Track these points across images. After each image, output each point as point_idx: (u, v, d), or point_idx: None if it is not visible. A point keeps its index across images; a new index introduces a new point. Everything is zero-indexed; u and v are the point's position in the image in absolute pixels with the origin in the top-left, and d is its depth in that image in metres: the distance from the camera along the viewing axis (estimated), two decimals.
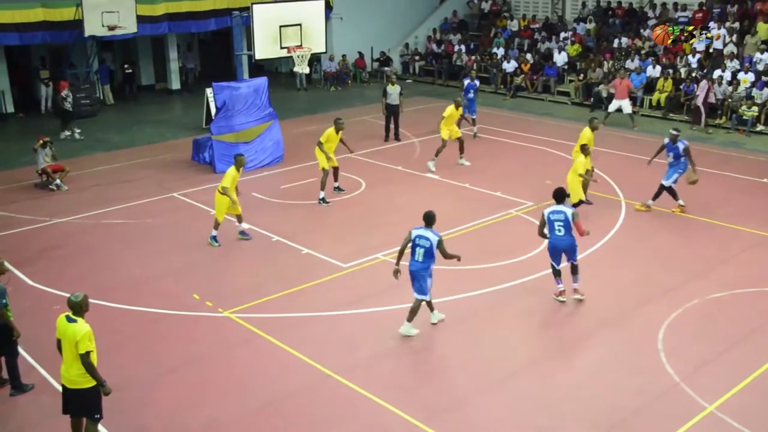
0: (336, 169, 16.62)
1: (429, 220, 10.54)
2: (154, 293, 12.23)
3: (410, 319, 10.66)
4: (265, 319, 11.25)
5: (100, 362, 7.99)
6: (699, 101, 22.51)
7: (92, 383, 7.74)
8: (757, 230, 14.50)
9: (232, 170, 13.78)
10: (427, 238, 10.36)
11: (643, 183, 17.32)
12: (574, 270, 11.62)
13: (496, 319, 11.35)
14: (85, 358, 7.59)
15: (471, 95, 21.36)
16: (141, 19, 24.20)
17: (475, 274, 12.72)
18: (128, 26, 23.59)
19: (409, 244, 10.57)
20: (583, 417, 8.96)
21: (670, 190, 15.38)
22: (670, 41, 20.17)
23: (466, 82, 21.68)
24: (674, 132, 15.46)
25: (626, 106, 23.01)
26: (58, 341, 7.86)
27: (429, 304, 10.87)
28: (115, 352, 10.14)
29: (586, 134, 15.79)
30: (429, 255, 10.38)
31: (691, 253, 13.64)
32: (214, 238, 14.08)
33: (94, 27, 22.92)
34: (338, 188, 16.88)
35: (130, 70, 28.23)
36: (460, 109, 19.03)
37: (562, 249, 11.53)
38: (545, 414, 9.03)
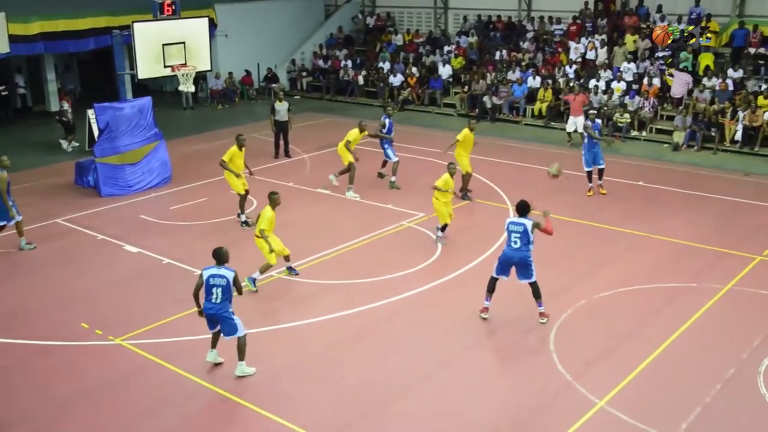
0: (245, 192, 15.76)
1: (220, 257, 9.91)
2: (39, 324, 11.71)
3: (242, 358, 10.13)
4: (158, 345, 10.96)
5: None
6: (677, 91, 23.11)
7: None
8: (636, 231, 15.25)
9: (267, 211, 12.53)
10: (222, 276, 9.77)
11: (528, 190, 17.94)
12: (536, 293, 11.43)
13: (393, 331, 11.46)
14: None
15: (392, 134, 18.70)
16: (14, 39, 23.14)
17: (371, 287, 12.83)
18: None
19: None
20: (483, 420, 9.18)
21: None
22: (670, 41, 20.94)
23: (388, 120, 18.57)
24: (593, 111, 18.37)
25: (580, 123, 20.98)
26: None
27: (215, 339, 10.28)
28: (0, 390, 9.66)
29: (464, 133, 17.14)
30: (227, 292, 9.81)
31: (577, 255, 14.21)
32: (253, 281, 12.71)
33: None
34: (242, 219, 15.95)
35: (6, 93, 26.99)
36: (365, 132, 17.82)
37: (515, 262, 11.30)
38: (446, 420, 9.19)
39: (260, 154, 21.52)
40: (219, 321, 9.94)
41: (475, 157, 17.96)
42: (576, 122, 22.30)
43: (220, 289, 9.79)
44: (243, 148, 15.70)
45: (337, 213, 16.79)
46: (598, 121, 18.09)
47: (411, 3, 33.17)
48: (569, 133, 22.73)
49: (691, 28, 24.70)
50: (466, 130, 17.19)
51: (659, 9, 25.99)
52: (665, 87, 23.98)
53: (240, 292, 10.02)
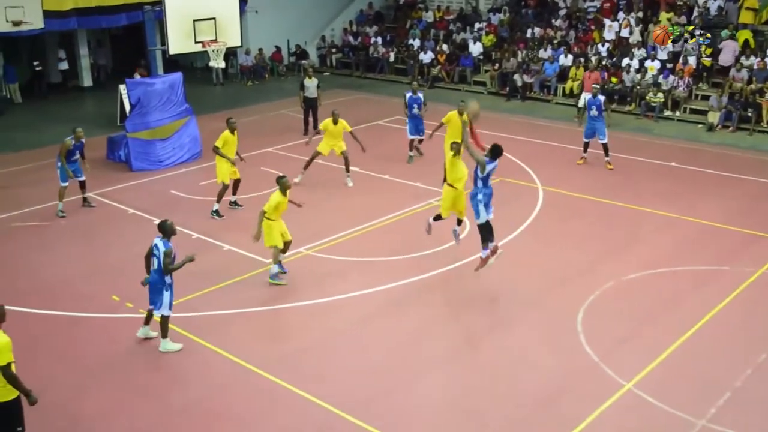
0: (237, 182, 15.44)
1: (163, 230, 9.98)
2: (71, 296, 11.90)
3: (164, 335, 10.26)
4: (187, 318, 11.07)
5: (17, 371, 7.74)
6: (726, 60, 22.95)
7: (13, 395, 7.48)
8: (666, 212, 15.05)
9: (277, 195, 12.01)
10: (158, 248, 9.91)
11: (558, 169, 17.82)
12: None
13: (418, 309, 11.47)
14: (6, 369, 7.33)
15: (415, 110, 18.45)
16: (48, 14, 23.23)
17: (398, 265, 12.83)
18: (34, 22, 22.71)
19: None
20: (508, 399, 9.18)
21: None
22: (670, 41, 20.72)
23: (408, 95, 18.73)
24: (596, 86, 18.40)
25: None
26: None
27: (149, 316, 10.40)
28: (31, 359, 9.83)
29: (449, 115, 16.42)
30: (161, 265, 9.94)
31: (606, 236, 14.07)
32: (276, 275, 12.25)
33: None
34: (235, 203, 15.61)
35: (40, 68, 27.27)
36: (342, 123, 16.79)
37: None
38: (469, 397, 9.22)
39: (289, 130, 21.56)
40: (151, 290, 10.12)
41: (505, 135, 17.83)
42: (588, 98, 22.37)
43: (156, 260, 9.97)
44: (235, 132, 15.10)
45: (365, 190, 16.78)
46: (600, 97, 17.96)
47: None
48: (579, 109, 22.53)
49: (691, 28, 24.25)
50: (452, 113, 16.32)
51: None
52: (700, 66, 23.55)
53: (167, 270, 9.90)
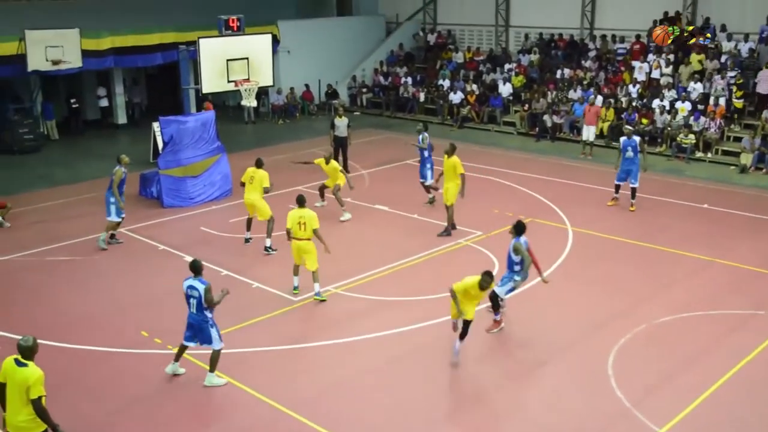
0: (251, 220, 15.76)
1: (195, 269, 10.08)
2: (101, 331, 11.97)
3: (212, 369, 10.31)
4: None
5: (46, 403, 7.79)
6: (764, 88, 22.84)
7: (41, 428, 7.53)
8: (698, 254, 14.85)
9: (311, 212, 12.88)
10: (195, 288, 9.99)
11: (589, 210, 17.70)
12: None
13: (447, 350, 11.35)
14: (37, 403, 7.40)
15: (426, 155, 18.21)
16: (86, 54, 23.98)
17: (427, 305, 12.76)
18: (73, 61, 23.35)
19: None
20: None
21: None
22: (670, 41, 20.68)
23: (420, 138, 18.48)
24: (628, 127, 18.43)
25: (592, 133, 22.85)
26: (2, 385, 7.64)
27: (180, 353, 10.49)
28: (59, 393, 9.85)
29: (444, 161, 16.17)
30: (201, 305, 10.02)
31: (637, 278, 13.90)
32: (319, 293, 12.95)
33: (37, 62, 22.68)
34: (249, 240, 15.83)
35: (77, 105, 27.85)
36: (333, 164, 17.64)
37: None
38: None
39: (319, 169, 21.65)
40: (196, 329, 10.18)
41: (534, 176, 17.76)
42: (589, 132, 23.08)
43: (195, 300, 10.05)
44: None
45: (395, 229, 16.78)
46: (636, 138, 17.53)
47: (472, 21, 33.12)
48: (584, 144, 23.36)
49: (691, 28, 24.15)
50: (444, 157, 16.12)
51: (723, 28, 25.40)
52: (732, 107, 23.42)
53: (210, 305, 10.03)
